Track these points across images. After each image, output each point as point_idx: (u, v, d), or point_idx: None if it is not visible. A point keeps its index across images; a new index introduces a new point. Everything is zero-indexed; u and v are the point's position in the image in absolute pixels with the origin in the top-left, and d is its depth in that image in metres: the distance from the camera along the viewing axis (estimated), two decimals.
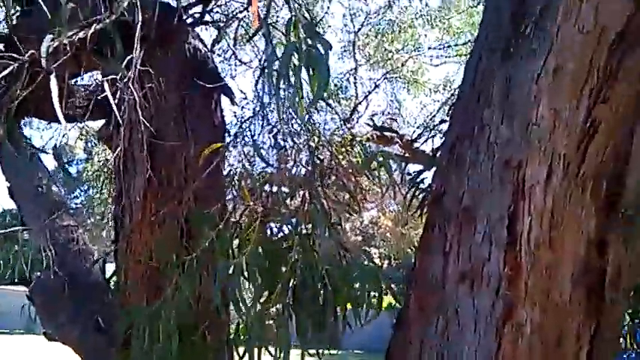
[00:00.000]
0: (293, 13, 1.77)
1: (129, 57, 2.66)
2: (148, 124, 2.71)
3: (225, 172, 2.86)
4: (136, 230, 3.00)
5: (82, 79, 3.86)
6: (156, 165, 2.85)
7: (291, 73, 1.73)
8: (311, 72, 1.72)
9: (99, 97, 2.82)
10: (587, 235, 1.92)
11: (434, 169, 2.40)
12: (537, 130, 1.90)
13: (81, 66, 2.94)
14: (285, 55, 1.73)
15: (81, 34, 2.30)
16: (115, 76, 2.66)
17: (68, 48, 2.45)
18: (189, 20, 3.62)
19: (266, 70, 1.82)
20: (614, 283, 1.96)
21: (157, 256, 2.68)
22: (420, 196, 2.58)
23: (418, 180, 2.55)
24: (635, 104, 1.78)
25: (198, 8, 3.95)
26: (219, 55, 7.88)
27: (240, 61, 7.42)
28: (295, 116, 1.88)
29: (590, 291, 1.95)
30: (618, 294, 1.98)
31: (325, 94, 2.03)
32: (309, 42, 1.71)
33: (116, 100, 2.62)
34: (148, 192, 2.84)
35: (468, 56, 2.25)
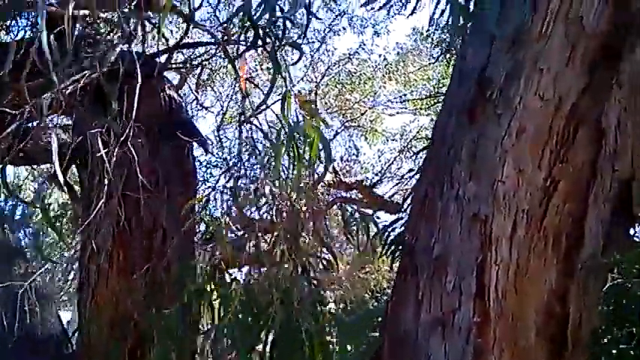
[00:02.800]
0: (287, 88, 1.88)
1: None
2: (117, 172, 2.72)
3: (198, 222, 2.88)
4: (102, 279, 2.96)
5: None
6: (126, 213, 2.84)
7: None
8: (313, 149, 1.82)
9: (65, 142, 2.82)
10: (550, 285, 2.05)
11: (403, 219, 2.51)
12: (503, 187, 2.04)
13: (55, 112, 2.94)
14: (289, 136, 1.83)
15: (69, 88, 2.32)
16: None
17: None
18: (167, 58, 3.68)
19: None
20: (576, 330, 2.09)
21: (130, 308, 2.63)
22: (389, 244, 2.68)
23: (387, 232, 2.65)
24: (590, 166, 1.95)
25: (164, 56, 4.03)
26: (188, 92, 7.93)
27: (201, 105, 7.48)
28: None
29: (554, 338, 2.06)
30: (579, 340, 2.11)
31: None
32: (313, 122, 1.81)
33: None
34: (116, 241, 2.82)
35: (439, 112, 2.40)
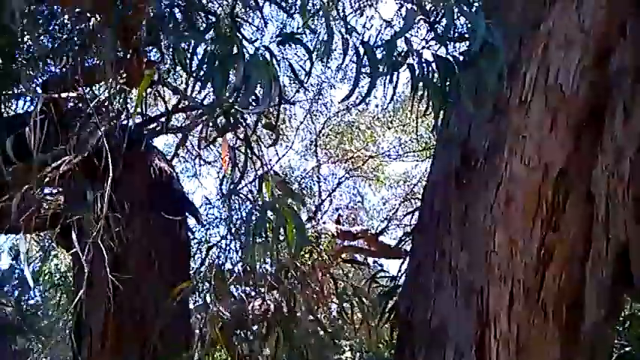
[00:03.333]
0: (265, 170, 1.87)
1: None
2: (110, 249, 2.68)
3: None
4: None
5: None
6: (118, 292, 2.78)
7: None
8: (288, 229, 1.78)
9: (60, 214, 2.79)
10: (553, 358, 1.95)
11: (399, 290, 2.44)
12: (496, 257, 1.98)
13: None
14: (261, 216, 1.80)
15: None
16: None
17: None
18: (154, 127, 3.69)
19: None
20: None
21: None
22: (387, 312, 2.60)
23: (384, 301, 2.57)
24: (584, 234, 1.88)
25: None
26: (184, 157, 7.98)
27: (204, 161, 7.51)
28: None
29: None
30: None
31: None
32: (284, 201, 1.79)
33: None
34: (108, 321, 2.75)
35: (425, 182, 2.36)
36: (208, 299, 2.58)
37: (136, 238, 2.88)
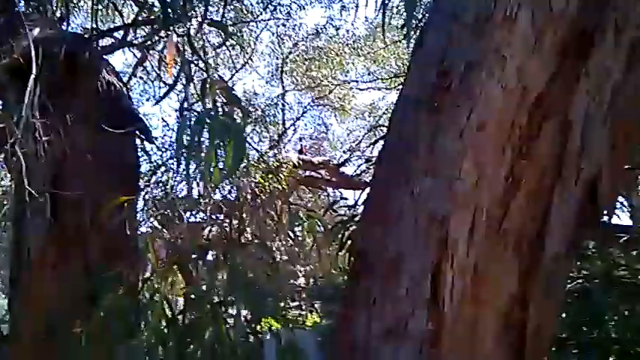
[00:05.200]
0: (207, 75, 1.66)
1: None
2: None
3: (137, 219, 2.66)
4: (34, 280, 2.73)
5: None
6: (59, 209, 2.60)
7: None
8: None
9: None
10: (510, 290, 1.91)
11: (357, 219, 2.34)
12: (461, 184, 1.87)
13: None
14: (197, 125, 1.61)
15: None
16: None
17: None
18: (110, 42, 3.40)
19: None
20: (535, 336, 1.96)
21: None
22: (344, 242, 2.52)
23: (342, 228, 2.48)
24: (555, 164, 1.79)
25: (118, 35, 3.74)
26: (142, 78, 7.57)
27: (164, 82, 7.14)
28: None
29: (513, 345, 1.94)
30: (539, 347, 1.99)
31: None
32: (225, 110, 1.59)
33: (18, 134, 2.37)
34: (48, 239, 2.58)
35: (394, 105, 2.21)
36: (156, 223, 2.44)
37: (78, 152, 2.66)
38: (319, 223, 2.33)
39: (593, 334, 2.31)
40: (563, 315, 2.33)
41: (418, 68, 2.02)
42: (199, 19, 1.63)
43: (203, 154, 1.62)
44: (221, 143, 1.63)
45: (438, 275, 1.89)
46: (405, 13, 1.59)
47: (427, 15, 1.89)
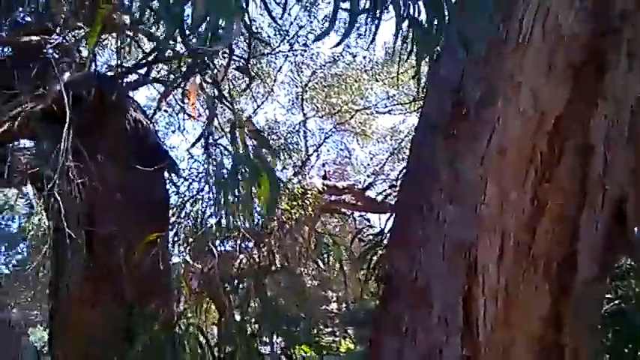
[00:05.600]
0: (236, 117, 1.73)
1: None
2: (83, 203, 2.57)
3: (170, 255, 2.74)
4: (72, 315, 2.81)
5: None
6: (94, 246, 2.69)
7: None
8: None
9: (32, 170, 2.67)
10: (542, 314, 1.90)
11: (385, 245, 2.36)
12: (486, 210, 1.89)
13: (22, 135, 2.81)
14: (233, 170, 1.67)
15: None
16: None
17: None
18: (134, 79, 3.53)
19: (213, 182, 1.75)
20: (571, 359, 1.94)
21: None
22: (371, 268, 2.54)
23: (370, 254, 2.50)
24: (579, 186, 1.79)
25: (142, 70, 3.87)
26: (166, 111, 7.76)
27: (188, 115, 7.30)
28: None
29: None
30: None
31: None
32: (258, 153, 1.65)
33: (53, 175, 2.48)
34: (85, 275, 2.66)
35: (413, 133, 2.25)
36: (187, 256, 2.51)
37: (110, 192, 2.76)
38: (344, 251, 2.35)
39: (631, 356, 2.26)
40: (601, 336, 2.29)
41: (434, 96, 2.06)
42: (224, 62, 1.71)
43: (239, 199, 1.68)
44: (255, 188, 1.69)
45: (470, 301, 1.89)
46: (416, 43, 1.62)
47: (441, 42, 1.92)
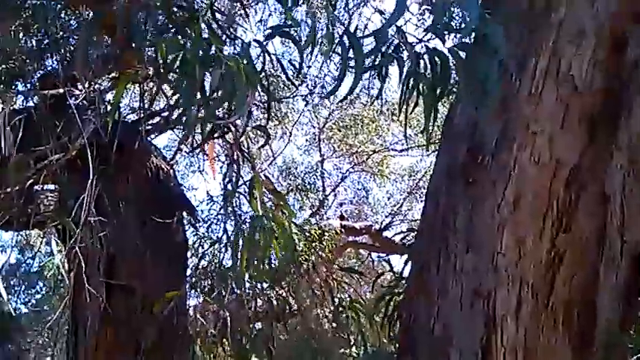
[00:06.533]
0: (254, 172, 1.76)
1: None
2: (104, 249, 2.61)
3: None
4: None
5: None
6: (113, 295, 2.71)
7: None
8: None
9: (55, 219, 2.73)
10: None
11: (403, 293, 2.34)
12: (503, 259, 1.87)
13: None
14: (251, 229, 1.70)
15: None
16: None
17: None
18: (155, 122, 3.61)
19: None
20: None
21: None
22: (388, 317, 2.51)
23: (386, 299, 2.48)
24: (597, 236, 1.78)
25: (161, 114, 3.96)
26: (187, 152, 7.89)
27: (206, 154, 7.41)
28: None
29: None
30: None
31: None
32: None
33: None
34: (103, 325, 2.68)
35: (429, 181, 2.26)
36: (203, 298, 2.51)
37: (130, 239, 2.80)
38: (359, 309, 2.35)
39: None
40: None
41: (449, 144, 2.08)
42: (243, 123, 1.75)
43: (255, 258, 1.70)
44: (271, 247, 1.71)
45: (489, 352, 1.86)
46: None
47: (455, 88, 1.95)
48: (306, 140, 9.50)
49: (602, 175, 1.76)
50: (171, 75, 1.60)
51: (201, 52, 1.50)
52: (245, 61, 1.48)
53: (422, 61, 1.50)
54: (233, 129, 1.81)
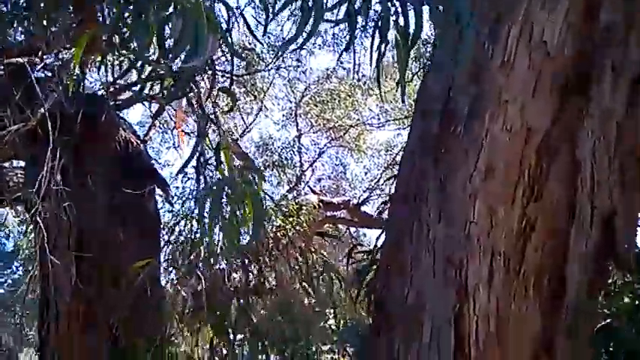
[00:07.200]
0: (221, 137, 1.71)
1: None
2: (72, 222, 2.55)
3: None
4: (62, 340, 2.76)
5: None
6: (84, 268, 2.65)
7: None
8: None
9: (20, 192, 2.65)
10: (535, 332, 1.88)
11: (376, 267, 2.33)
12: (475, 227, 1.87)
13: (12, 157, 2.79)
14: (216, 191, 1.65)
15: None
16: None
17: None
18: (126, 97, 3.52)
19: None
20: None
21: None
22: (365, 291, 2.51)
23: (361, 274, 2.48)
24: (568, 203, 1.78)
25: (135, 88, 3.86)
26: (161, 128, 7.75)
27: (183, 131, 7.29)
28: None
29: None
30: None
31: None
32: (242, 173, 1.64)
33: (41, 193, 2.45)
34: (75, 298, 2.63)
35: (402, 154, 2.24)
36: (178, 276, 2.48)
37: (98, 212, 2.73)
38: (335, 275, 2.33)
39: None
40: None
41: (422, 115, 2.05)
42: (208, 84, 1.69)
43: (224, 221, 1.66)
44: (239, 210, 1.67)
45: (461, 321, 1.87)
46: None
47: (428, 61, 1.92)
48: (283, 115, 9.41)
49: (573, 141, 1.75)
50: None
51: None
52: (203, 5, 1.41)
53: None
54: (196, 90, 1.75)
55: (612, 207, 1.77)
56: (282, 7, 1.55)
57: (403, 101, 2.38)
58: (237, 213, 1.68)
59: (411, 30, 1.46)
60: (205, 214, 1.69)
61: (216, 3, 1.52)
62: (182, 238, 3.01)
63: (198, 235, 2.18)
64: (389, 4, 1.42)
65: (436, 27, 1.63)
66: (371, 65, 1.53)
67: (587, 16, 1.76)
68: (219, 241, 1.87)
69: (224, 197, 1.68)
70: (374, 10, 1.57)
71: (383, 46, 1.53)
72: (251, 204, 1.65)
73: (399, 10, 1.42)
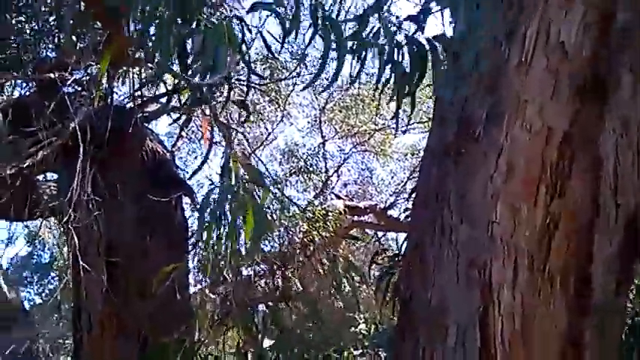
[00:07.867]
0: (229, 150, 1.76)
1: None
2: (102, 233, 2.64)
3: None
4: (95, 345, 2.85)
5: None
6: (114, 275, 2.74)
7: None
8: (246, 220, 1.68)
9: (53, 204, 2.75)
10: (561, 331, 1.86)
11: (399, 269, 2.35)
12: (498, 228, 1.87)
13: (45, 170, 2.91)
14: (219, 202, 1.70)
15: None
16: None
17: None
18: (153, 109, 3.61)
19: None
20: None
21: None
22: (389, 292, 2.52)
23: (386, 278, 2.49)
24: (591, 200, 1.77)
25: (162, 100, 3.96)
26: (190, 139, 7.90)
27: (209, 140, 7.42)
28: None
29: None
30: None
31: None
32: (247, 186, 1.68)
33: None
34: (106, 305, 2.71)
35: (422, 157, 2.26)
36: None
37: (128, 222, 2.82)
38: (358, 275, 2.35)
39: None
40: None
41: (441, 118, 2.06)
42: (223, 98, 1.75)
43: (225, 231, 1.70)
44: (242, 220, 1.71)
45: (486, 321, 1.87)
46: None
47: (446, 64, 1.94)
48: (308, 122, 9.48)
49: (595, 139, 1.74)
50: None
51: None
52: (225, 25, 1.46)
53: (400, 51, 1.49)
54: (212, 103, 1.80)
55: (636, 204, 1.75)
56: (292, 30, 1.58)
57: (395, 136, 2.39)
58: (238, 222, 1.72)
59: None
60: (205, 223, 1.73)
61: (234, 21, 1.57)
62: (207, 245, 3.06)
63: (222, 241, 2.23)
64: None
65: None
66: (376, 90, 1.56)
67: (605, 17, 1.75)
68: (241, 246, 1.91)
69: (226, 208, 1.72)
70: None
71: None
72: (252, 217, 1.69)
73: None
